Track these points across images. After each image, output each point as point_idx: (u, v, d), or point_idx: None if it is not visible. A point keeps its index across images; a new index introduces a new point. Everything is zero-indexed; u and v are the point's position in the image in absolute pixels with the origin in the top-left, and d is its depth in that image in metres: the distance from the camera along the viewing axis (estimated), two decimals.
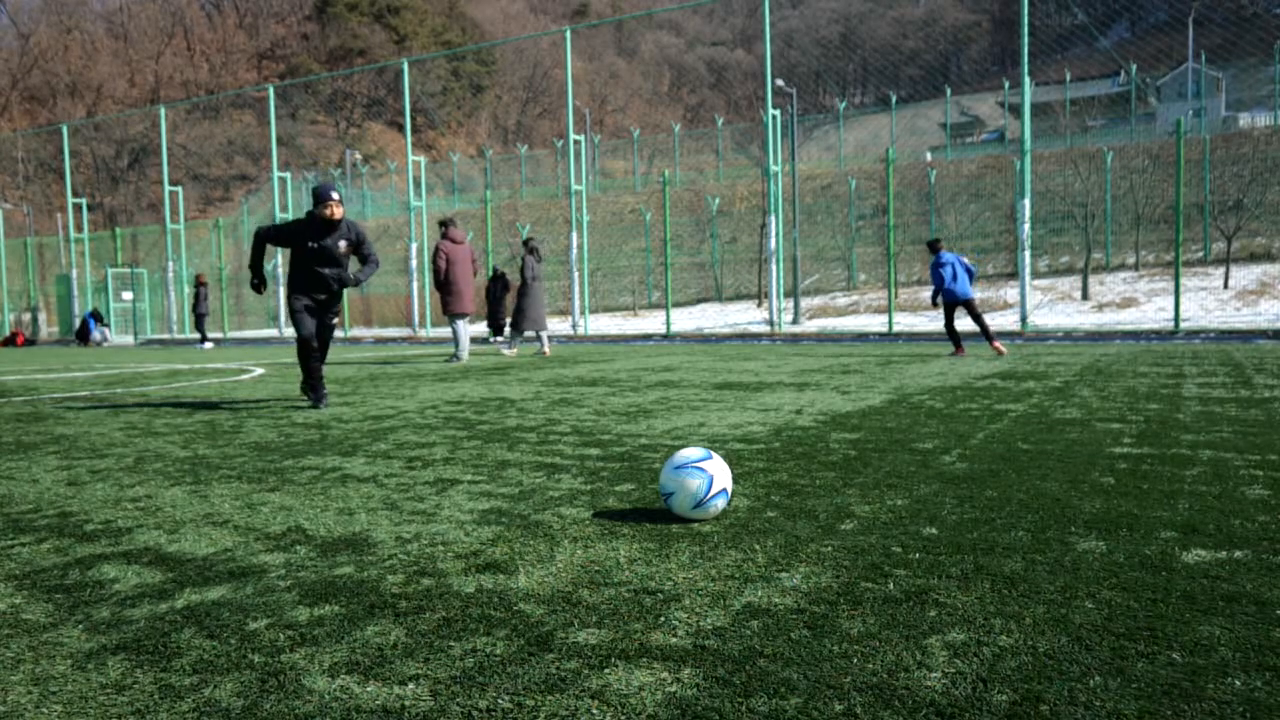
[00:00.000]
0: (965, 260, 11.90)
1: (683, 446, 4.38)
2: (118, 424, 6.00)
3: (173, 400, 7.70)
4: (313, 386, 6.70)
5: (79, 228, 35.18)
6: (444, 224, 12.62)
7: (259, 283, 6.64)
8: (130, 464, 4.32)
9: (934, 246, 12.00)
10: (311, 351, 6.60)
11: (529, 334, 13.74)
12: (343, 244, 6.52)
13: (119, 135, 75.61)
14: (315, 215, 6.44)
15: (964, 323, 17.69)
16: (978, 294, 26.79)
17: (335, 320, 6.69)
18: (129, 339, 32.39)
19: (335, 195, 6.43)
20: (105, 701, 1.64)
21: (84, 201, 37.02)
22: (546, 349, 14.19)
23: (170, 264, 31.97)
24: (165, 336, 31.75)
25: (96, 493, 3.62)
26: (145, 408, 7.08)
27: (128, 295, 33.81)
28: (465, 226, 37.93)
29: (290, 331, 29.62)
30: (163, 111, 32.95)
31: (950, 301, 11.78)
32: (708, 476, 2.88)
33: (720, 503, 2.91)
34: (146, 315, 34.28)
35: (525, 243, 13.82)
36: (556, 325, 28.01)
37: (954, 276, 11.64)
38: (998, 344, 11.77)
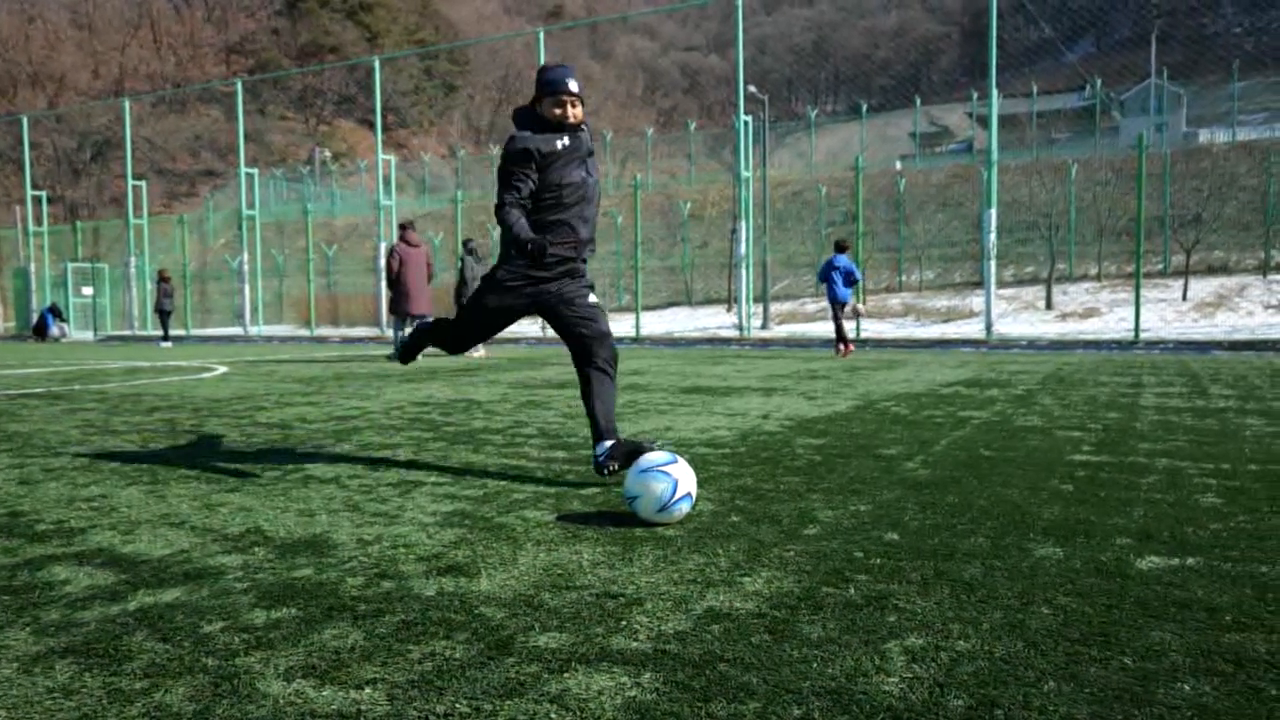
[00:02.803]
0: (855, 268, 13.31)
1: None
2: (74, 422, 5.89)
3: (132, 398, 7.57)
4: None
5: (38, 221, 34.51)
6: (402, 226, 13.11)
7: (538, 246, 3.43)
8: (85, 463, 4.24)
9: (841, 246, 13.24)
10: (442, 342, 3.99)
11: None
12: (586, 138, 3.82)
13: (81, 127, 74.33)
14: (543, 116, 3.73)
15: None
16: (944, 302, 27.10)
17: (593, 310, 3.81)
18: (88, 335, 31.81)
19: (574, 85, 3.72)
20: (51, 706, 1.61)
21: (44, 194, 36.33)
22: (476, 351, 14.41)
23: (132, 259, 31.45)
24: (126, 333, 31.22)
25: (49, 492, 3.55)
26: (103, 405, 6.95)
27: (88, 290, 33.22)
28: (436, 227, 37.72)
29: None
30: (126, 104, 32.42)
31: (834, 300, 13.22)
32: (672, 481, 2.88)
33: (684, 507, 2.91)
34: (107, 311, 33.70)
35: (465, 243, 14.15)
36: (526, 327, 27.90)
37: (842, 281, 13.06)
38: (845, 347, 13.25)
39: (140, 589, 2.28)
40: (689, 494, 2.92)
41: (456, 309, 14.49)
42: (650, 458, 2.99)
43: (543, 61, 23.92)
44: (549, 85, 3.72)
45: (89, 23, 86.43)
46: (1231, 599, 2.13)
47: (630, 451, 3.53)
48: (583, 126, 3.80)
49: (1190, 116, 51.57)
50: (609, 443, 3.61)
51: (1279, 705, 1.57)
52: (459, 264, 14.38)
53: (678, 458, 3.00)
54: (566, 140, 3.69)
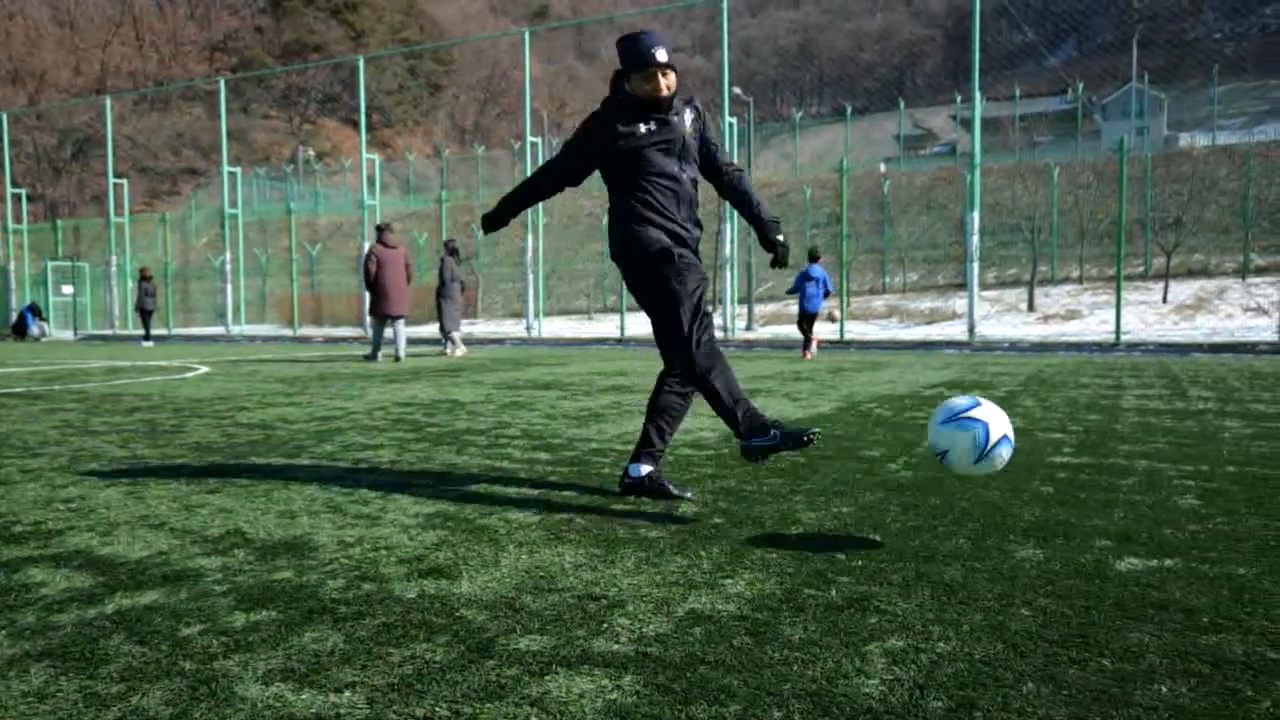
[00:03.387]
0: (829, 279, 13.75)
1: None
2: (53, 422, 5.83)
3: (112, 398, 7.50)
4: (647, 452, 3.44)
5: (17, 219, 34.18)
6: (380, 228, 13.24)
7: (496, 220, 3.50)
8: (64, 464, 4.19)
9: (814, 255, 13.67)
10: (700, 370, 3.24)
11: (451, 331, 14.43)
12: (689, 122, 3.34)
13: (62, 125, 73.64)
14: (634, 95, 3.25)
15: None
16: (927, 304, 27.23)
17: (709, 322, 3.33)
18: (68, 334, 31.52)
19: (663, 54, 3.21)
20: (26, 710, 1.59)
21: (24, 192, 35.98)
22: (457, 350, 14.51)
23: (113, 258, 31.17)
24: (107, 332, 30.96)
25: (27, 493, 3.51)
26: (82, 406, 6.89)
27: (68, 289, 32.92)
28: (421, 227, 37.59)
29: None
30: (108, 101, 32.14)
31: (806, 311, 13.72)
32: (982, 425, 2.56)
33: (1005, 451, 2.59)
34: (87, 310, 33.41)
35: (446, 244, 14.33)
36: (511, 328, 27.85)
37: (813, 293, 13.46)
38: (809, 353, 13.61)
39: (118, 591, 2.25)
40: (1006, 436, 2.58)
41: (438, 308, 14.49)
42: (952, 404, 2.67)
43: (528, 62, 23.85)
44: (637, 59, 3.19)
45: (70, 20, 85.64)
46: (1209, 600, 2.14)
47: (658, 491, 3.32)
48: (675, 114, 3.30)
49: (1171, 120, 52.02)
50: (643, 468, 3.38)
51: (1255, 706, 1.58)
52: (439, 264, 14.42)
53: (980, 400, 2.67)
54: (653, 125, 3.24)
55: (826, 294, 13.64)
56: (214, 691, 1.66)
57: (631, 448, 4.51)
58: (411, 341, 19.08)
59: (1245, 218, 27.26)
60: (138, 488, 3.60)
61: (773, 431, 3.05)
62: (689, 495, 3.36)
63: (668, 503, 3.27)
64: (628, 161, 3.25)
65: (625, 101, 3.28)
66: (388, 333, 13.30)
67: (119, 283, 31.55)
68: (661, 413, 3.44)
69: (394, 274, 12.89)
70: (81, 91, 76.84)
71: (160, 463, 4.20)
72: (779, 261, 3.42)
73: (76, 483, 3.71)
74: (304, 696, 1.64)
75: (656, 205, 3.25)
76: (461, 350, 14.60)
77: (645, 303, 3.28)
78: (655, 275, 3.22)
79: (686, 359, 3.21)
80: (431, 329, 25.05)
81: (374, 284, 12.86)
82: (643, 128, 3.23)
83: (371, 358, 13.09)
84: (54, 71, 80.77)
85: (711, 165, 3.44)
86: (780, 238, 3.39)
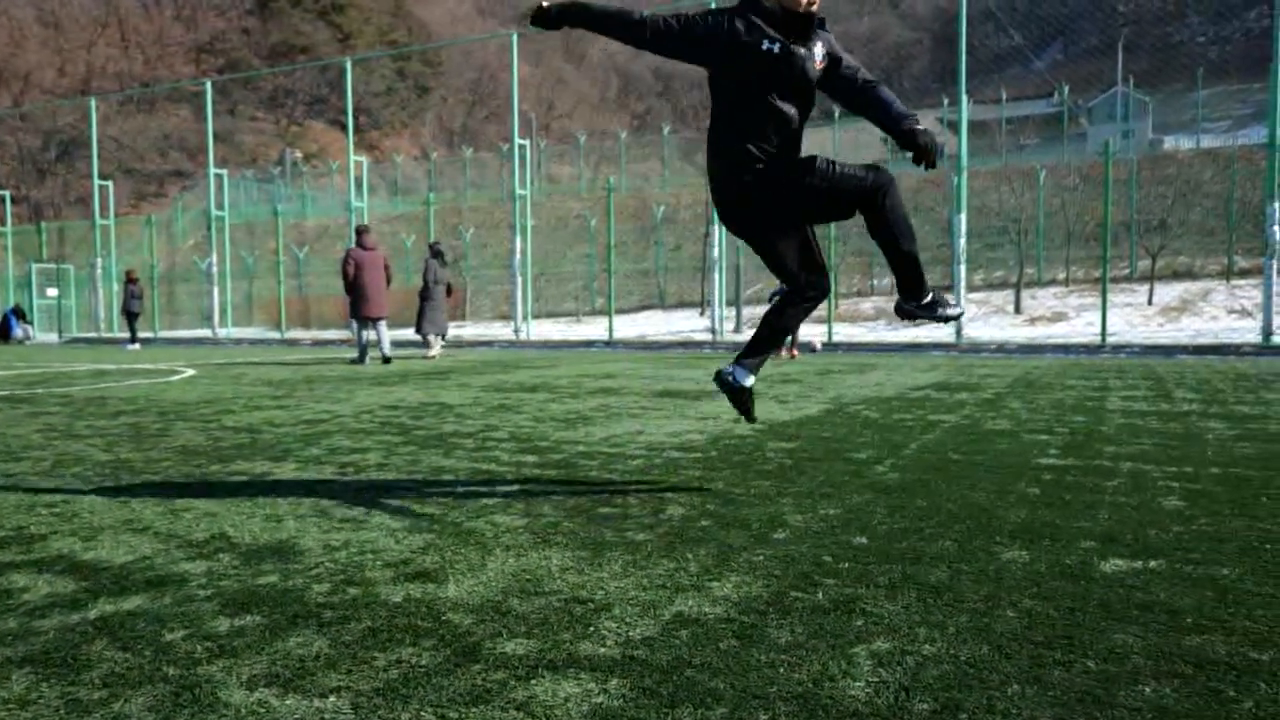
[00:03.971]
0: None
1: (619, 454, 4.37)
2: (36, 425, 5.78)
3: (96, 401, 7.45)
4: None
5: (1, 221, 33.94)
6: (358, 230, 13.34)
7: (560, 18, 3.33)
8: (47, 468, 4.16)
9: None
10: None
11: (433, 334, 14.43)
12: (819, 54, 3.05)
13: (47, 126, 73.23)
14: (785, 8, 2.96)
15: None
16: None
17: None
18: (53, 337, 31.30)
19: None
20: (7, 716, 1.58)
21: (7, 194, 35.72)
22: (431, 351, 14.57)
23: (98, 261, 30.98)
24: (92, 335, 30.76)
25: (9, 498, 3.48)
26: (67, 409, 6.84)
27: (52, 292, 32.72)
28: (409, 229, 37.49)
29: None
30: (93, 103, 31.94)
31: None
32: None
33: None
34: (72, 313, 33.21)
35: (431, 245, 14.36)
36: (499, 330, 27.80)
37: None
38: (796, 351, 14.29)
39: (101, 597, 2.24)
40: None
41: (420, 310, 14.43)
42: None
43: (515, 64, 23.78)
44: None
45: (55, 20, 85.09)
46: (1193, 601, 2.16)
47: (747, 403, 3.47)
48: (807, 47, 2.93)
49: (1156, 123, 52.34)
50: (751, 378, 3.46)
51: (1237, 706, 1.59)
52: (423, 266, 14.40)
53: None
54: (776, 48, 2.83)
55: None
56: (197, 697, 1.65)
57: (618, 451, 4.52)
58: (396, 345, 19.03)
59: (1229, 220, 27.46)
60: (122, 492, 3.57)
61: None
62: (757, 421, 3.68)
63: (663, 496, 3.27)
64: (737, 75, 2.91)
65: (762, 12, 2.88)
66: (371, 335, 13.28)
67: (104, 285, 31.36)
68: (778, 327, 3.44)
69: (373, 276, 12.93)
70: (66, 92, 76.36)
71: (145, 467, 4.17)
72: (923, 157, 2.82)
73: (60, 487, 3.68)
74: (288, 702, 1.63)
75: (753, 135, 2.95)
76: (436, 350, 14.52)
77: (786, 208, 3.09)
78: (775, 185, 2.99)
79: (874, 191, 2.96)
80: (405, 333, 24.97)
81: (353, 286, 12.88)
82: (765, 45, 2.85)
83: (359, 361, 13.07)
84: (38, 72, 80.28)
85: (850, 91, 3.05)
86: (918, 126, 2.86)
